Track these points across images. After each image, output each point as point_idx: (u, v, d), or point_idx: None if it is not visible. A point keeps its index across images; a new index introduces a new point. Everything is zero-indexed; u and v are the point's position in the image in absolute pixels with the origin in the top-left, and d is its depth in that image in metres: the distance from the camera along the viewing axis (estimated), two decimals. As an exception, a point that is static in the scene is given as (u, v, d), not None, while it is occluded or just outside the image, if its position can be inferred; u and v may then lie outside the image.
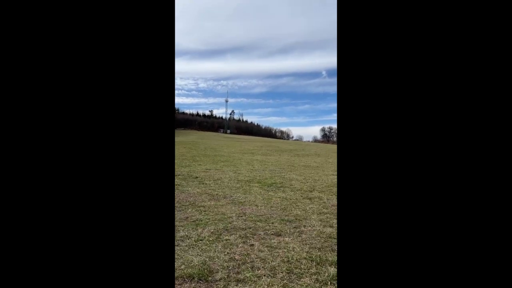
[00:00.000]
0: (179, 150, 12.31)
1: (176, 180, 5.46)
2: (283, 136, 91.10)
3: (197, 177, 5.82)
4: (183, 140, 22.77)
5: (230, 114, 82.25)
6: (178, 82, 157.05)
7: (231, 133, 63.14)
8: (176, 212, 3.36)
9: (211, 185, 5.11)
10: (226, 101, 79.21)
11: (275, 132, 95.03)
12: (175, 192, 4.40)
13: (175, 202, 3.85)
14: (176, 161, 8.54)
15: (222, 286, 1.80)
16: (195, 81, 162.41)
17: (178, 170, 6.74)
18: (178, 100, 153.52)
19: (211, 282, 1.85)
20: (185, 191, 4.50)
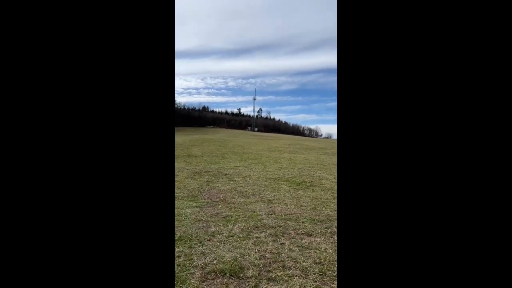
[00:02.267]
0: (209, 148, 12.65)
1: (206, 176, 5.61)
2: (312, 134, 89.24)
3: (226, 174, 5.93)
4: (212, 137, 23.37)
5: (257, 112, 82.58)
6: (208, 81, 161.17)
7: (258, 131, 63.40)
8: (207, 208, 3.45)
9: (240, 182, 5.16)
10: (254, 99, 79.68)
11: (303, 129, 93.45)
12: (206, 188, 4.53)
13: (207, 197, 3.96)
14: (206, 158, 8.79)
15: (253, 283, 1.80)
16: (224, 79, 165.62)
17: (208, 167, 6.93)
18: (208, 99, 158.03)
19: (243, 278, 1.86)
20: (215, 188, 4.61)
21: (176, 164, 7.21)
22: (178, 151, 10.49)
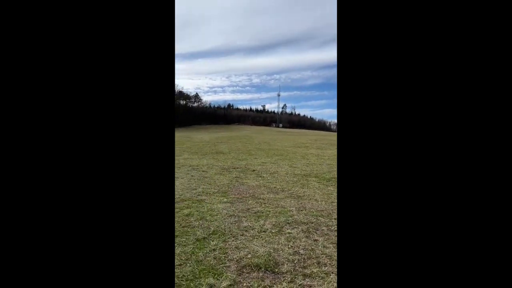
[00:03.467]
0: (235, 145, 12.83)
1: (235, 172, 5.70)
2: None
3: (254, 170, 5.97)
4: (238, 135, 23.66)
5: (282, 108, 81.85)
6: (233, 79, 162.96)
7: (283, 127, 62.94)
8: (237, 203, 3.50)
9: (268, 178, 5.17)
10: (278, 95, 79.02)
11: (330, 125, 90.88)
12: (235, 184, 4.60)
13: (236, 193, 4.02)
14: (233, 154, 8.93)
15: (289, 279, 1.79)
16: (248, 77, 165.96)
17: (236, 163, 7.03)
18: (233, 96, 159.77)
19: (278, 273, 1.86)
20: (244, 183, 4.66)
21: (205, 161, 7.42)
22: (206, 149, 10.78)
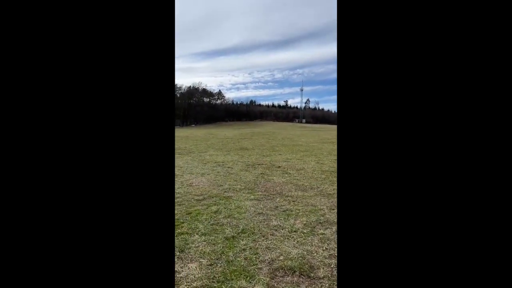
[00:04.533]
0: (258, 141, 12.76)
1: (260, 169, 5.61)
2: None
3: (279, 167, 5.84)
4: (261, 131, 23.58)
5: (305, 103, 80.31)
6: (255, 75, 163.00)
7: (306, 122, 61.75)
8: (265, 201, 3.40)
9: (295, 175, 5.01)
10: (301, 90, 77.43)
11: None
12: (261, 181, 4.50)
13: (263, 190, 3.92)
14: (257, 150, 8.85)
15: (327, 285, 1.65)
16: (271, 72, 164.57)
17: (260, 159, 6.94)
18: (255, 92, 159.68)
19: (314, 279, 1.73)
20: (270, 180, 4.55)
21: (229, 157, 7.42)
22: (230, 145, 10.82)
